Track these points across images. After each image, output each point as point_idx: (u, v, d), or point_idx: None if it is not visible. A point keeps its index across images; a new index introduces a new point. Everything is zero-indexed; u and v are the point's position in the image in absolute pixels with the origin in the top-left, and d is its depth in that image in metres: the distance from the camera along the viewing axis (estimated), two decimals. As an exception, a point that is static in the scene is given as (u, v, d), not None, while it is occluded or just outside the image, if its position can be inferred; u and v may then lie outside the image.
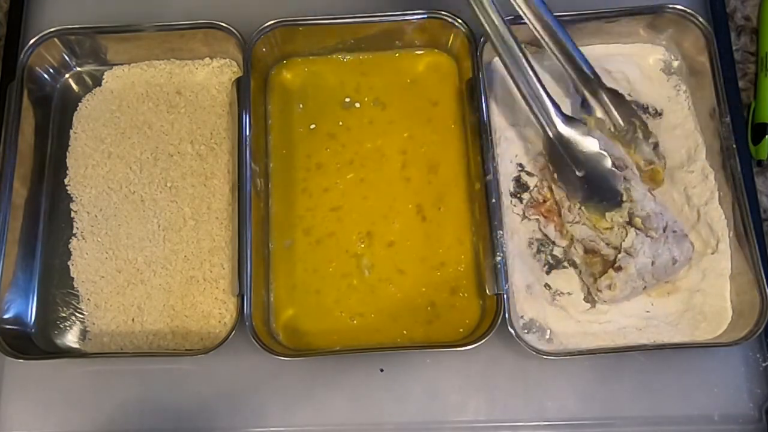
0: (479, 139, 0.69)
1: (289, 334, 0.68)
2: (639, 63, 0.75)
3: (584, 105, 0.70)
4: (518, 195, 0.71)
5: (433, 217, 0.71)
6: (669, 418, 0.65)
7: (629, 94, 0.74)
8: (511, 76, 0.66)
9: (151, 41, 0.75)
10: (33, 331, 0.69)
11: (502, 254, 0.65)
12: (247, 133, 0.69)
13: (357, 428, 0.66)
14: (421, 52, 0.76)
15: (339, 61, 0.76)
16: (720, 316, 0.67)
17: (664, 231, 0.66)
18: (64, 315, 0.70)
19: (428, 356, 0.67)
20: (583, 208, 0.67)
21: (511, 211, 0.71)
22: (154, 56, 0.77)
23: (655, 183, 0.69)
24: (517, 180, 0.72)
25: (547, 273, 0.69)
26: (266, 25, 0.72)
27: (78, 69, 0.78)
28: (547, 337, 0.67)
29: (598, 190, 0.66)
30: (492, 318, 0.64)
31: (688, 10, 0.72)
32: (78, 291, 0.70)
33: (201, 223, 0.71)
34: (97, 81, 0.77)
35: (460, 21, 0.72)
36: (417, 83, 0.76)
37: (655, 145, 0.70)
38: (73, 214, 0.72)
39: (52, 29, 0.74)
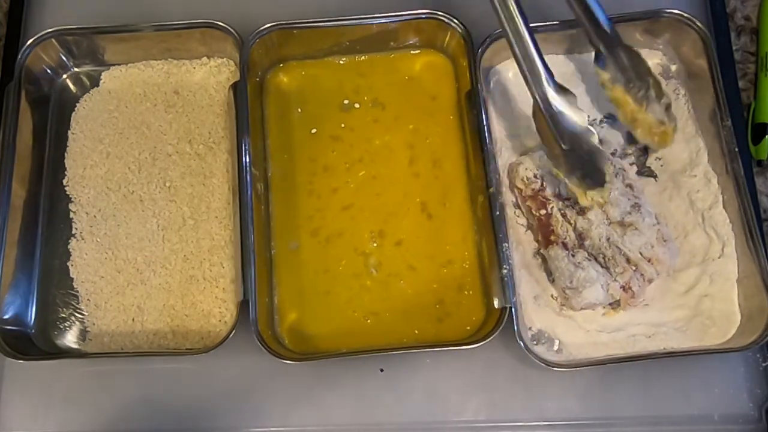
0: (480, 151, 0.70)
1: (294, 338, 0.70)
2: None
3: (598, 58, 0.70)
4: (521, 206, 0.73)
5: (438, 214, 0.73)
6: (669, 418, 0.67)
7: None
8: (508, 38, 0.64)
9: (148, 41, 0.77)
10: (33, 331, 0.71)
11: (508, 267, 0.66)
12: (246, 138, 0.70)
13: (357, 428, 0.68)
14: (417, 52, 0.78)
15: (335, 64, 0.78)
16: (728, 321, 0.68)
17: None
18: (63, 315, 0.72)
19: (428, 356, 0.69)
20: (566, 180, 0.66)
21: (515, 222, 0.72)
22: (151, 56, 0.79)
23: (664, 144, 0.71)
24: None
25: (554, 283, 0.70)
26: (262, 28, 0.74)
27: (75, 69, 0.80)
28: (556, 348, 0.68)
29: (581, 165, 0.65)
30: (497, 318, 0.66)
31: (686, 15, 0.74)
32: (78, 291, 0.72)
33: (200, 222, 0.73)
34: (95, 81, 0.79)
35: (456, 21, 0.74)
36: (414, 81, 0.78)
37: (668, 106, 0.71)
38: (72, 215, 0.74)
39: (50, 30, 0.76)
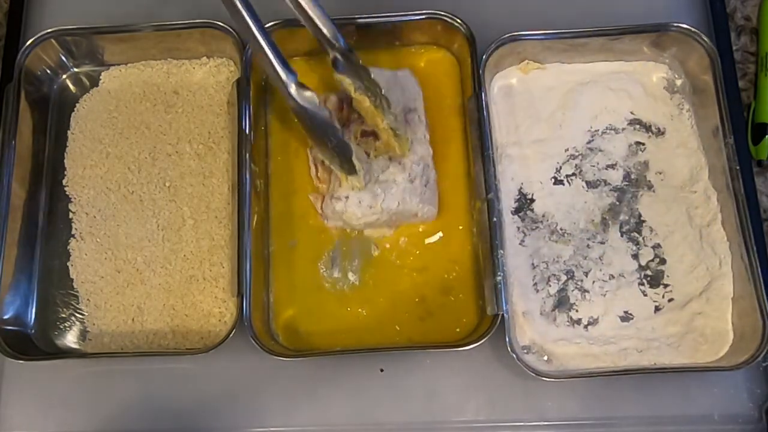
0: (481, 156, 0.71)
1: (289, 335, 0.71)
2: (642, 81, 0.78)
3: (335, 64, 0.69)
4: (519, 213, 0.74)
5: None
6: (669, 418, 0.68)
7: (632, 112, 0.77)
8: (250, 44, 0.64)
9: (147, 41, 0.78)
10: (33, 331, 0.72)
11: (502, 274, 0.67)
12: (247, 134, 0.71)
13: (357, 428, 0.68)
14: (422, 51, 0.79)
15: (339, 62, 0.79)
16: (721, 339, 0.69)
17: (425, 186, 0.71)
18: (63, 315, 0.72)
19: (428, 356, 0.70)
20: (331, 166, 0.70)
21: (512, 231, 0.73)
22: (151, 56, 0.80)
23: (403, 152, 0.71)
24: (518, 198, 0.74)
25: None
26: (266, 25, 0.73)
27: (75, 70, 0.81)
28: (546, 358, 0.69)
29: (337, 155, 0.68)
30: (491, 319, 0.67)
31: (693, 29, 0.74)
32: (78, 291, 0.73)
33: (200, 222, 0.74)
34: (95, 81, 0.80)
35: (459, 21, 0.75)
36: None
37: (395, 117, 0.71)
38: (71, 215, 0.75)
39: (49, 30, 0.77)
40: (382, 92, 0.69)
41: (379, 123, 0.71)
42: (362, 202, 0.70)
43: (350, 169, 0.69)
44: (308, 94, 0.64)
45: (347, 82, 0.70)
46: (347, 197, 0.70)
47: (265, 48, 0.63)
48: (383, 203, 0.70)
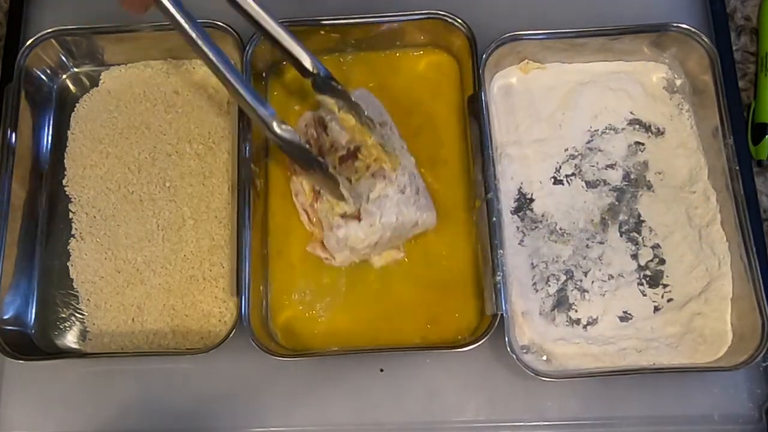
0: (480, 156, 0.71)
1: (288, 335, 0.71)
2: (642, 81, 0.78)
3: (316, 86, 0.71)
4: (518, 212, 0.74)
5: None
6: (669, 418, 0.68)
7: (631, 112, 0.77)
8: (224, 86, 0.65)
9: (148, 41, 0.78)
10: (33, 331, 0.72)
11: (501, 274, 0.67)
12: (248, 134, 0.72)
13: (357, 428, 0.69)
14: (423, 51, 0.79)
15: (340, 62, 0.79)
16: (720, 339, 0.69)
17: (417, 193, 0.70)
18: (63, 315, 0.73)
19: (428, 356, 0.70)
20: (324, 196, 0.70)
21: (512, 230, 0.73)
22: (151, 56, 0.80)
23: (392, 165, 0.70)
24: (518, 198, 0.75)
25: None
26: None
27: (75, 70, 0.81)
28: (545, 358, 0.70)
29: (325, 183, 0.69)
30: (491, 319, 0.67)
31: (693, 29, 0.75)
32: (78, 291, 0.73)
33: (200, 222, 0.74)
34: (95, 81, 0.80)
35: (460, 21, 0.75)
36: (419, 81, 0.79)
37: (383, 134, 0.72)
38: (71, 215, 0.75)
39: (49, 30, 0.77)
40: (365, 112, 0.70)
41: (368, 140, 0.71)
42: (362, 223, 0.69)
43: (340, 196, 0.69)
44: (288, 128, 0.65)
45: (330, 102, 0.71)
46: (345, 222, 0.69)
47: (241, 91, 0.64)
48: (381, 219, 0.68)
